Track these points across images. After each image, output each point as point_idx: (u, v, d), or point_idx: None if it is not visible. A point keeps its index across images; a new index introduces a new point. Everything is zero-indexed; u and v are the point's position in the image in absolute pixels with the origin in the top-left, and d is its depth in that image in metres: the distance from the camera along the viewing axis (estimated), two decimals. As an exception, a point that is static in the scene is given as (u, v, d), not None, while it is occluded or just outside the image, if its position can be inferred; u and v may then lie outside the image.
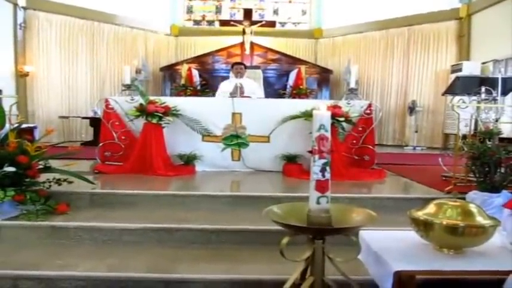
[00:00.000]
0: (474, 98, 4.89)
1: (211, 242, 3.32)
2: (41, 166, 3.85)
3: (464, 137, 4.60)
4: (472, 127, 4.80)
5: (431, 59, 9.91)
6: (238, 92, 5.98)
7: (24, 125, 5.60)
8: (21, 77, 9.35)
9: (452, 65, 9.28)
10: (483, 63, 8.61)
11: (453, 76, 7.97)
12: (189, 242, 3.32)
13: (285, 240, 1.99)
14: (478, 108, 4.71)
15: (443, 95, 6.61)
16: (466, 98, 4.96)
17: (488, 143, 4.15)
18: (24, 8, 9.39)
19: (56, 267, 2.87)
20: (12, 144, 3.65)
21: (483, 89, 4.74)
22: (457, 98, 5.08)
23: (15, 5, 9.17)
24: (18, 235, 3.34)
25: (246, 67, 7.02)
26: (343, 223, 2.03)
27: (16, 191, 3.51)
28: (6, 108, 4.12)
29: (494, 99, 4.73)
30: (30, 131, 7.10)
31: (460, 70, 8.66)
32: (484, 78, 5.55)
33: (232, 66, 7.00)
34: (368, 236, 2.27)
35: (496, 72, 7.87)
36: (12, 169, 3.52)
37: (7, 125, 4.01)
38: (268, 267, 2.86)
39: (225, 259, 3.08)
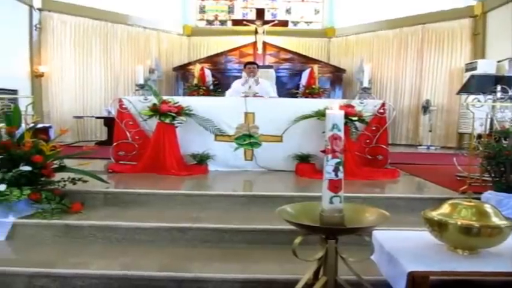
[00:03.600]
0: (489, 96, 4.83)
1: (224, 241, 3.33)
2: (55, 165, 3.90)
3: (479, 136, 4.54)
4: (488, 126, 4.74)
5: (446, 57, 9.80)
6: (250, 92, 5.97)
7: (39, 125, 5.67)
8: (36, 77, 9.48)
9: (467, 64, 9.17)
10: (498, 61, 8.49)
11: (468, 75, 7.88)
12: (202, 241, 3.33)
13: (297, 239, 1.99)
14: (493, 107, 4.65)
15: (457, 94, 6.55)
16: (481, 96, 4.90)
17: (504, 142, 4.10)
18: (40, 10, 9.52)
19: (70, 265, 2.90)
20: (28, 144, 3.70)
21: (499, 87, 4.67)
22: (471, 96, 5.02)
23: (31, 6, 9.29)
24: (34, 233, 3.39)
25: (258, 66, 7.01)
26: (356, 223, 2.03)
27: (32, 190, 3.56)
28: (22, 108, 4.18)
29: (510, 98, 4.66)
30: (46, 130, 7.18)
31: (475, 69, 8.56)
32: (500, 76, 5.50)
33: (244, 66, 7.00)
34: (381, 236, 2.25)
35: (511, 70, 7.75)
36: (28, 168, 3.56)
37: (23, 125, 4.06)
38: (281, 267, 2.86)
39: (238, 258, 3.08)
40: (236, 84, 6.69)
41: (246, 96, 5.82)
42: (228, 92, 6.82)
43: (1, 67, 8.05)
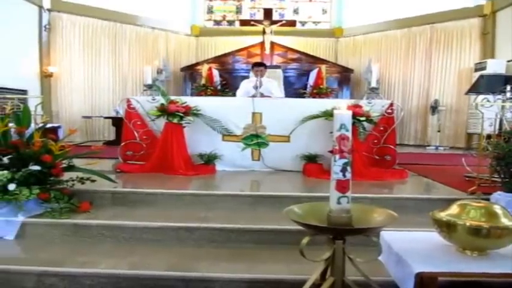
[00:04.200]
0: (499, 96, 4.78)
1: (231, 241, 3.33)
2: (64, 165, 3.92)
3: (488, 136, 4.51)
4: (497, 126, 4.70)
5: (454, 57, 9.75)
6: (258, 92, 5.96)
7: (48, 125, 5.70)
8: (45, 77, 9.56)
9: (476, 63, 9.12)
10: (508, 61, 8.42)
11: (477, 74, 7.82)
12: (209, 240, 3.34)
13: (305, 240, 1.99)
14: (503, 107, 4.61)
15: (466, 94, 6.49)
16: (490, 96, 4.86)
17: (513, 142, 4.06)
18: (49, 10, 9.60)
19: (79, 264, 2.92)
20: (37, 144, 3.72)
21: (508, 87, 4.64)
22: (481, 97, 4.98)
23: (40, 7, 9.38)
24: (43, 232, 3.42)
25: (266, 67, 7.00)
26: (364, 223, 2.02)
27: (41, 189, 3.58)
28: (31, 108, 4.21)
29: (520, 98, 4.62)
30: (55, 130, 7.24)
31: (484, 68, 8.50)
32: (509, 76, 5.45)
33: (252, 67, 7.00)
34: (389, 236, 2.24)
35: (521, 70, 7.70)
36: (37, 168, 3.59)
37: (32, 125, 4.10)
38: (288, 267, 2.86)
39: (245, 258, 3.09)
40: (246, 84, 6.68)
41: (253, 96, 5.82)
42: (238, 93, 6.81)
43: (11, 67, 8.13)
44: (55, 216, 3.48)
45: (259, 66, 6.69)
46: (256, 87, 5.83)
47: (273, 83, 6.85)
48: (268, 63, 9.28)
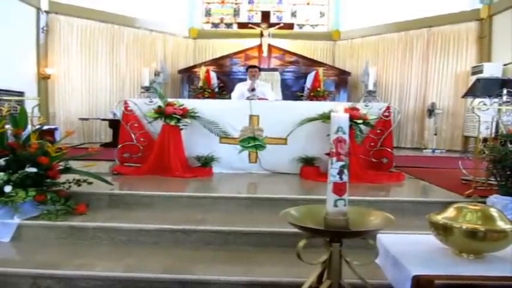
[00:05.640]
0: (495, 100, 4.80)
1: (228, 244, 3.33)
2: (61, 167, 3.91)
3: (485, 139, 4.52)
4: (493, 130, 4.71)
5: (451, 60, 9.77)
6: (254, 95, 5.98)
7: (45, 127, 5.69)
8: (43, 79, 9.55)
9: (473, 67, 9.14)
10: (505, 64, 8.45)
11: (473, 78, 7.84)
12: (206, 243, 3.34)
13: (301, 243, 1.98)
14: (499, 110, 4.63)
15: (463, 97, 6.52)
16: (486, 100, 4.87)
17: (509, 146, 4.07)
18: (47, 12, 9.59)
19: (75, 266, 2.91)
20: (34, 145, 3.72)
21: (504, 91, 4.65)
22: (477, 100, 5.00)
23: (38, 9, 9.36)
24: (39, 234, 3.41)
25: (260, 69, 7.03)
26: (360, 226, 2.02)
27: (37, 191, 3.57)
28: (28, 110, 4.20)
29: (516, 102, 4.64)
30: (51, 132, 7.22)
31: (480, 72, 8.52)
32: (506, 80, 5.46)
33: (247, 69, 7.04)
34: (386, 239, 2.24)
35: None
36: (33, 170, 3.58)
37: (29, 127, 4.08)
38: (285, 270, 2.85)
39: (242, 261, 3.08)
40: (241, 87, 6.72)
41: (250, 98, 5.83)
42: (233, 95, 6.84)
43: (8, 69, 8.11)
44: (51, 219, 3.47)
45: (253, 69, 6.76)
46: (253, 89, 5.84)
47: (267, 86, 6.91)
48: (265, 66, 9.31)
